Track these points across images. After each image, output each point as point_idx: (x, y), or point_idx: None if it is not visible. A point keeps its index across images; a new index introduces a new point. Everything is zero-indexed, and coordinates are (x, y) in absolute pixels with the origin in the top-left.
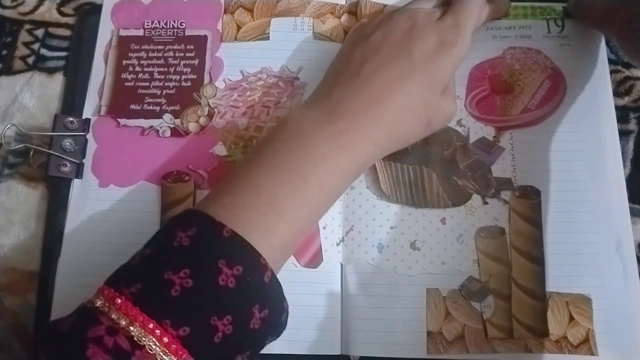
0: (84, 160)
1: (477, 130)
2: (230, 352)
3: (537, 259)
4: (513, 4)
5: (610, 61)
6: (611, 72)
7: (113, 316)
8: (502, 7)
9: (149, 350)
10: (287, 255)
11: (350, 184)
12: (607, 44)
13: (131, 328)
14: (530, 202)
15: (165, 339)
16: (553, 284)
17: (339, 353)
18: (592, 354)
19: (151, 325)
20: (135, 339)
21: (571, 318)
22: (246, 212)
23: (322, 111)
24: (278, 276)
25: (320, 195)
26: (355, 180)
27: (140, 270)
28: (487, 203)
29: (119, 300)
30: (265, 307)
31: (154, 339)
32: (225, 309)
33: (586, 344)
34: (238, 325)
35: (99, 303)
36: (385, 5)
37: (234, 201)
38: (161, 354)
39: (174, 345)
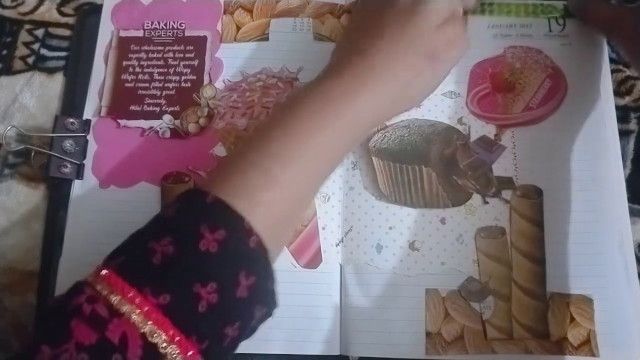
0: (84, 161)
1: (478, 129)
2: (218, 322)
3: (538, 259)
4: (514, 1)
5: (612, 60)
6: (612, 71)
7: (97, 287)
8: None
9: (129, 320)
10: (284, 225)
11: (348, 149)
12: (609, 43)
13: (111, 297)
14: (531, 202)
15: (146, 308)
16: (554, 285)
17: (338, 353)
18: (593, 355)
19: (131, 294)
20: (115, 307)
21: (572, 319)
22: (230, 176)
23: (317, 78)
24: (278, 277)
25: (306, 152)
26: (354, 146)
27: (126, 243)
28: (487, 203)
29: (104, 272)
30: (252, 273)
31: (134, 308)
32: (208, 275)
33: (587, 344)
34: (223, 293)
35: (89, 278)
36: None
37: (221, 172)
38: (140, 323)
39: (154, 314)
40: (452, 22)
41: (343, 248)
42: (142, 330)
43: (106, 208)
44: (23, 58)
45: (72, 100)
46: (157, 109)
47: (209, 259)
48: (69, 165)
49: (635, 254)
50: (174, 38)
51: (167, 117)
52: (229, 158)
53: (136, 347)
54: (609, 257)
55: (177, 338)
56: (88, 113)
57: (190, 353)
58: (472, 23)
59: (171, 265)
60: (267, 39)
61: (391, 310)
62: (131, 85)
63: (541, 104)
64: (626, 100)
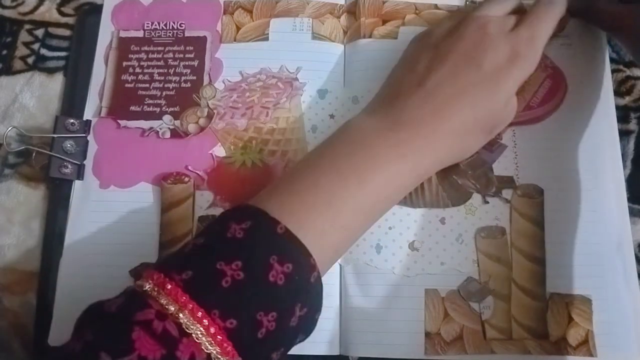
0: (84, 162)
1: None
2: (269, 348)
3: (538, 259)
4: None
5: (612, 60)
6: (612, 71)
7: (162, 301)
8: (563, 23)
9: (196, 339)
10: (335, 258)
11: (405, 194)
12: (609, 42)
13: (180, 315)
14: (532, 201)
15: (212, 330)
16: (553, 285)
17: (338, 353)
18: (592, 355)
19: (200, 314)
20: (184, 326)
21: (570, 319)
22: (302, 210)
23: (385, 119)
24: None
25: (376, 202)
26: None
27: (192, 258)
28: (487, 202)
29: (169, 286)
30: (306, 306)
31: (201, 328)
32: (271, 305)
33: (585, 345)
34: (280, 322)
35: (147, 287)
36: (384, 2)
37: (290, 199)
38: (207, 344)
39: (219, 337)
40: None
41: None
42: (208, 351)
43: (106, 208)
44: (23, 58)
45: (72, 101)
46: (157, 109)
47: (276, 291)
48: (69, 166)
49: (635, 254)
50: (173, 38)
51: (167, 118)
52: (294, 177)
53: None
54: (609, 257)
55: None
56: (88, 114)
57: None
58: None
59: (240, 291)
60: (266, 39)
61: (390, 311)
62: (131, 85)
63: (542, 103)
64: (626, 100)
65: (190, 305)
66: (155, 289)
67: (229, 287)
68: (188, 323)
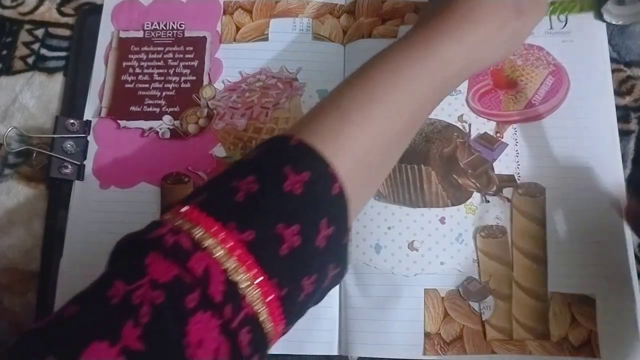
0: (84, 162)
1: (479, 126)
2: (297, 270)
3: (539, 259)
4: None
5: (612, 60)
6: (613, 71)
7: (177, 222)
8: None
9: (211, 254)
10: (365, 171)
11: (430, 107)
12: (610, 42)
13: (194, 230)
14: (534, 200)
15: (230, 243)
16: (555, 284)
17: (337, 353)
18: (595, 356)
19: (215, 228)
20: (197, 240)
21: (573, 319)
22: (315, 120)
23: (407, 36)
24: None
25: (393, 104)
26: (438, 97)
27: (206, 183)
28: (488, 201)
29: (185, 209)
30: (332, 223)
31: (217, 242)
32: (292, 217)
33: (588, 345)
34: (305, 238)
35: (166, 217)
36: (383, 2)
37: (304, 118)
38: (224, 258)
39: (238, 250)
40: None
41: None
42: (225, 266)
43: (106, 208)
44: (23, 58)
45: (72, 101)
46: (157, 109)
47: (293, 200)
48: (69, 166)
49: (635, 254)
50: (173, 39)
51: (167, 118)
52: (314, 107)
53: (218, 283)
54: (611, 257)
55: (260, 279)
56: (88, 114)
57: (270, 298)
58: None
59: (255, 203)
60: (266, 39)
61: (390, 311)
62: (131, 86)
63: (543, 100)
64: (626, 100)
65: (205, 221)
66: (170, 215)
67: (243, 200)
68: (203, 237)
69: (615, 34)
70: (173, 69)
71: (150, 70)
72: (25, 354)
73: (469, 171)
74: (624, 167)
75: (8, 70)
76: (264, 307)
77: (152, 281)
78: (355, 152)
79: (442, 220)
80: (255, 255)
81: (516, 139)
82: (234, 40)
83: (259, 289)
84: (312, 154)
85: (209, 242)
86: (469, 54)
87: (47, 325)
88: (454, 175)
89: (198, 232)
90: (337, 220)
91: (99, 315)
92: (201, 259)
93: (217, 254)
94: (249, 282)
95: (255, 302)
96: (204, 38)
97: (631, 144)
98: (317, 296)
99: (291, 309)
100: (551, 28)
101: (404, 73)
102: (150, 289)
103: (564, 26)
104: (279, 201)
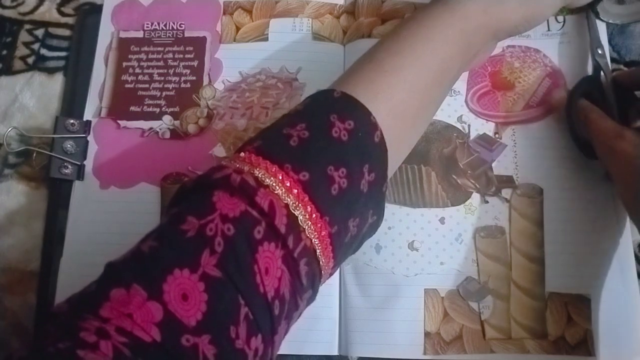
0: (84, 162)
1: (478, 127)
2: (345, 210)
3: (537, 259)
4: None
5: (612, 60)
6: (612, 71)
7: (237, 165)
8: None
9: (273, 190)
10: (401, 120)
11: (456, 64)
12: (610, 42)
13: (255, 171)
14: (532, 201)
15: (288, 182)
16: (552, 284)
17: (337, 353)
18: (590, 354)
19: (274, 169)
20: (259, 179)
21: (569, 318)
22: (352, 74)
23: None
24: None
25: (426, 54)
26: (470, 50)
27: (259, 133)
28: (487, 202)
29: (243, 154)
30: (373, 169)
31: (277, 181)
32: (340, 160)
33: (584, 344)
34: (351, 180)
35: (226, 162)
36: (383, 2)
37: (344, 74)
38: (284, 195)
39: (295, 189)
40: None
41: None
42: (285, 201)
43: (106, 208)
44: (23, 58)
45: (72, 101)
46: (157, 109)
47: (341, 146)
48: (69, 166)
49: (635, 253)
50: (173, 39)
51: (166, 118)
52: (350, 66)
53: (282, 216)
54: (608, 257)
55: (314, 215)
56: (88, 114)
57: (323, 233)
58: None
59: (308, 147)
60: (266, 39)
61: (390, 310)
62: (131, 86)
63: (541, 102)
64: None
65: (264, 163)
66: (230, 160)
67: (297, 145)
68: (264, 177)
69: (615, 34)
70: (173, 69)
71: (150, 71)
72: (110, 283)
73: (469, 172)
74: None
75: (8, 70)
76: (319, 242)
77: (222, 215)
78: (391, 98)
79: (442, 221)
80: (311, 194)
81: (515, 140)
82: (234, 41)
83: (313, 225)
84: (355, 104)
85: (269, 181)
86: (486, 10)
87: (127, 259)
88: (454, 176)
89: (259, 173)
90: (378, 167)
91: (177, 246)
92: (266, 195)
93: (278, 191)
94: (305, 217)
95: (313, 235)
96: (204, 38)
97: None
98: (355, 244)
99: (339, 248)
100: (548, 30)
101: (427, 27)
102: (221, 222)
103: (561, 28)
104: (328, 146)
